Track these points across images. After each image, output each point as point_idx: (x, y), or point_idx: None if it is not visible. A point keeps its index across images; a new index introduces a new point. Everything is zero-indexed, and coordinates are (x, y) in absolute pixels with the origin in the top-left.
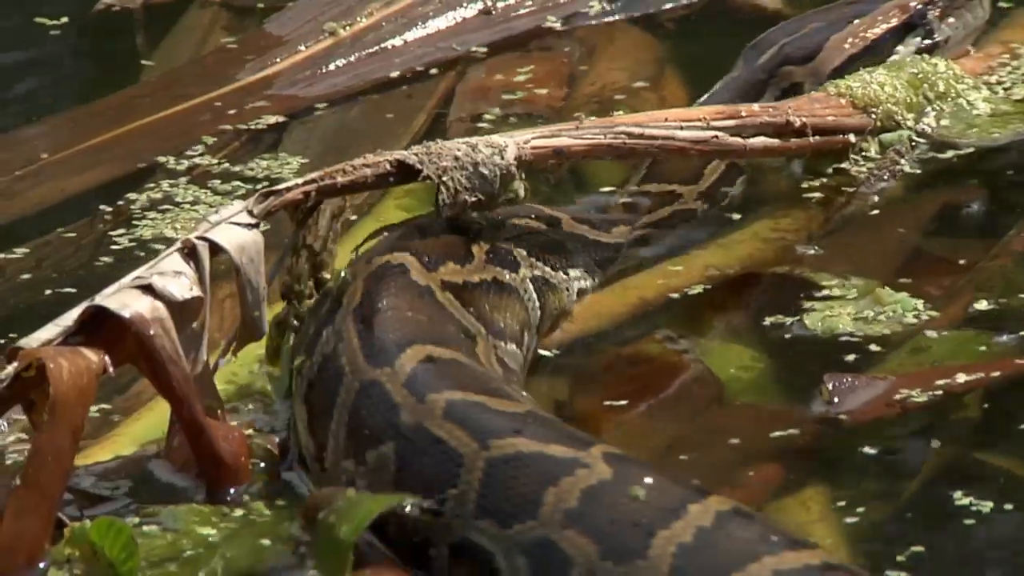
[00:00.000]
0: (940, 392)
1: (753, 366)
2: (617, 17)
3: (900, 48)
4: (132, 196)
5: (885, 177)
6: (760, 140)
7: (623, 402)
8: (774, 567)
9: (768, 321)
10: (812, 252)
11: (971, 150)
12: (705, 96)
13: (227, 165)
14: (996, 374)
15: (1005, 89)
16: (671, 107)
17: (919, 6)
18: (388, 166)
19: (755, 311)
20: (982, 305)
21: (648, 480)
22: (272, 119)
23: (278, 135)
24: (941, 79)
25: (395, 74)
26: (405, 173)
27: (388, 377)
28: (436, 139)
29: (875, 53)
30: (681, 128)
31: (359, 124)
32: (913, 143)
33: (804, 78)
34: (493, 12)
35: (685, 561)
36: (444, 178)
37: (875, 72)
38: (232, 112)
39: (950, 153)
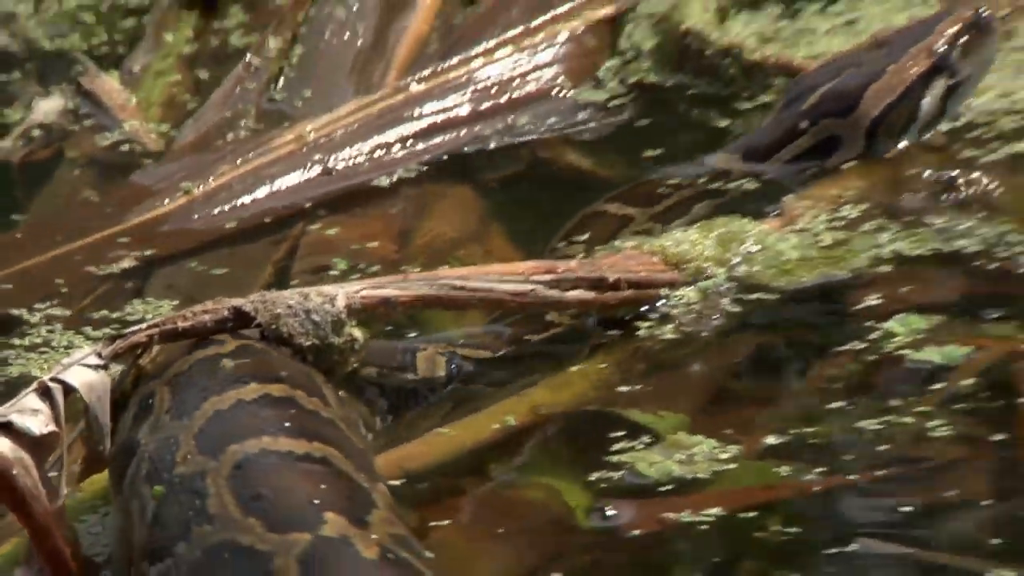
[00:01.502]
0: (717, 514)
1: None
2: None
3: (928, 92)
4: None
5: (713, 318)
6: (577, 293)
7: (460, 527)
8: (264, 446)
9: (597, 462)
10: (633, 391)
11: (780, 294)
12: (743, 137)
13: (105, 311)
14: (776, 496)
15: (814, 235)
16: (495, 258)
17: (943, 48)
18: (226, 313)
19: (585, 450)
20: (778, 438)
21: (250, 358)
22: (129, 265)
23: (141, 282)
24: (750, 236)
25: (246, 228)
26: (242, 320)
27: None
28: (277, 288)
29: (909, 98)
30: (502, 281)
31: (214, 273)
32: (727, 288)
33: (843, 131)
34: (333, 172)
35: (210, 426)
36: (276, 324)
37: (687, 231)
38: (95, 261)
39: (762, 296)
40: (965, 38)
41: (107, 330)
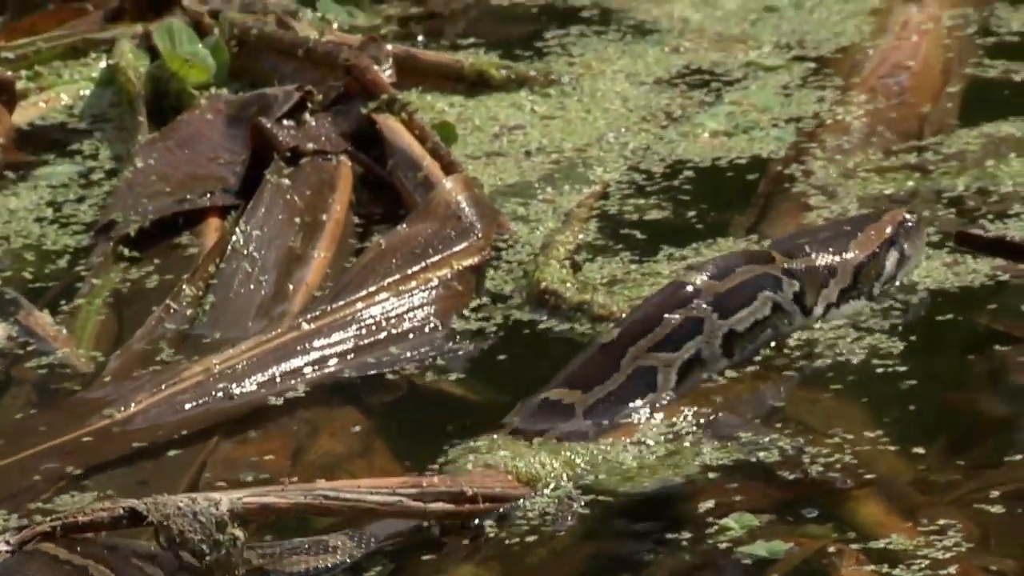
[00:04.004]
0: None
1: None
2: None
3: (889, 257)
4: None
5: (568, 519)
6: (439, 505)
7: None
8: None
9: None
10: None
11: (624, 497)
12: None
13: (51, 505)
14: None
15: (648, 448)
16: (381, 473)
17: (896, 229)
18: (122, 511)
19: None
20: None
21: None
22: (64, 474)
23: (80, 482)
24: (592, 451)
25: (160, 446)
26: (136, 518)
27: None
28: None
29: (877, 259)
30: (371, 493)
31: (136, 482)
32: (576, 495)
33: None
34: (234, 398)
35: None
36: (167, 522)
37: (537, 454)
38: (31, 473)
39: (608, 499)
40: (907, 226)
41: (15, 519)
